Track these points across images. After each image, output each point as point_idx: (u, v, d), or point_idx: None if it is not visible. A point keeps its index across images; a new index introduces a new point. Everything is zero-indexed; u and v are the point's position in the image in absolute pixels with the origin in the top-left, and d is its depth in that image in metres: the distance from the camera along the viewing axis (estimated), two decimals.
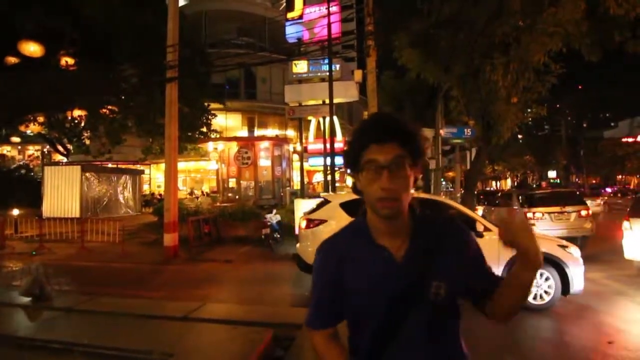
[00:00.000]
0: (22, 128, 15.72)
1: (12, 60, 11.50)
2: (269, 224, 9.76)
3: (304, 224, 5.84)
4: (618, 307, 5.02)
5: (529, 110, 10.40)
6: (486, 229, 4.99)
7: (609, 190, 37.59)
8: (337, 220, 5.33)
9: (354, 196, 4.62)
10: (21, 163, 24.37)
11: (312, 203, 8.93)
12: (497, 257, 4.85)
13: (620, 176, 44.47)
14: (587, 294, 5.33)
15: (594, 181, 46.22)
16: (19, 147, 27.87)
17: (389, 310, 0.94)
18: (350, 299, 1.00)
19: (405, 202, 0.94)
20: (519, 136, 41.58)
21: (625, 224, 6.73)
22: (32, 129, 15.76)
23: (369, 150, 0.92)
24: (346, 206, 5.53)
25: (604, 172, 42.77)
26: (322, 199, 6.36)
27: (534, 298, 4.81)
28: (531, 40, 7.77)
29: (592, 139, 45.97)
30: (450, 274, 0.96)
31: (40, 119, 15.30)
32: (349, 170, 1.02)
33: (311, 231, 5.66)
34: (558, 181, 48.55)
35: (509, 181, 55.29)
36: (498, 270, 4.87)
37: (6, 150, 27.46)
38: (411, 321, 0.94)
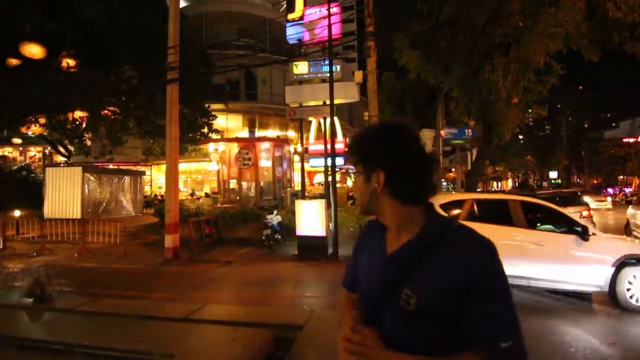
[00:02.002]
0: (23, 129, 15.77)
1: (13, 61, 11.54)
2: (269, 225, 9.77)
3: None
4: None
5: (529, 110, 10.41)
6: (593, 234, 5.02)
7: (610, 191, 37.54)
8: None
9: (453, 197, 5.12)
10: (22, 164, 24.42)
11: (314, 204, 8.96)
12: (602, 258, 4.86)
13: (621, 176, 44.36)
14: (588, 295, 5.34)
15: (595, 181, 46.16)
16: (21, 149, 27.91)
17: (370, 298, 0.99)
18: (356, 274, 1.12)
19: (367, 205, 1.03)
20: (520, 137, 41.56)
21: None
22: (34, 130, 15.80)
23: None
24: (447, 207, 5.34)
25: (605, 173, 42.66)
26: None
27: (631, 298, 4.79)
28: (531, 41, 7.78)
29: (593, 140, 45.90)
30: (427, 288, 0.87)
31: (42, 120, 15.34)
32: (345, 171, 1.08)
33: None
34: (559, 182, 48.49)
35: (510, 182, 55.22)
36: (602, 267, 4.81)
37: (7, 151, 27.50)
38: (387, 320, 0.93)
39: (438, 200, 5.48)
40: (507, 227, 5.20)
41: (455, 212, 5.27)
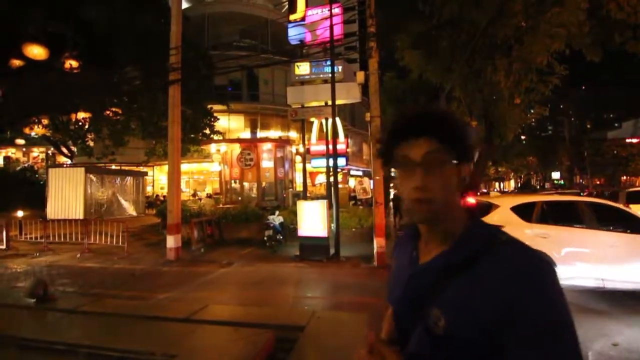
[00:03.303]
0: (26, 130, 15.84)
1: (16, 63, 11.59)
2: (271, 225, 9.78)
3: None
4: (623, 309, 4.98)
5: (531, 111, 10.39)
6: None
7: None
8: (514, 226, 5.04)
9: (525, 199, 4.89)
10: (26, 165, 24.56)
11: (316, 205, 8.96)
12: None
13: (624, 177, 44.18)
14: (591, 296, 5.32)
15: (597, 182, 45.98)
16: (24, 149, 28.08)
17: (399, 312, 0.90)
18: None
19: (445, 204, 0.80)
20: (522, 137, 41.48)
21: None
22: (37, 131, 15.88)
23: (400, 146, 0.83)
24: (519, 210, 5.22)
25: (608, 173, 42.47)
26: (485, 202, 5.71)
27: None
28: (533, 41, 7.77)
29: (595, 140, 45.74)
30: (455, 310, 0.74)
31: (45, 121, 15.41)
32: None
33: None
34: (562, 182, 48.33)
35: (512, 182, 55.12)
36: None
37: (11, 152, 27.66)
38: (414, 341, 0.82)
39: (509, 203, 5.40)
40: (579, 229, 5.15)
41: (527, 214, 5.19)
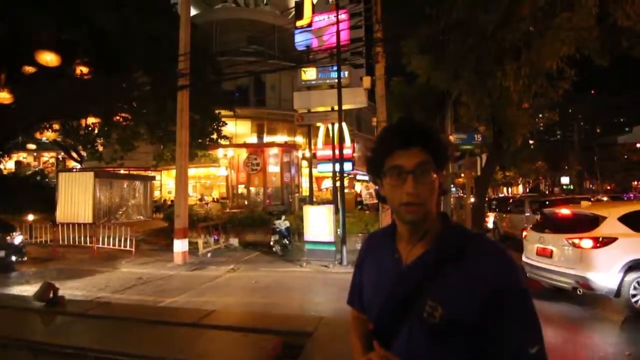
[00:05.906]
0: (37, 135, 16.10)
1: (29, 69, 11.82)
2: (277, 230, 9.78)
3: (589, 243, 5.07)
4: (637, 318, 4.87)
5: (540, 115, 10.31)
6: None
7: (624, 198, 36.82)
8: (627, 237, 4.92)
9: (629, 208, 4.77)
10: (36, 169, 24.94)
11: (322, 209, 8.94)
12: None
13: (635, 182, 43.46)
14: (605, 305, 5.21)
15: (608, 187, 45.27)
16: (35, 154, 28.56)
17: (384, 314, 0.93)
18: (362, 291, 1.06)
19: (431, 207, 0.90)
20: (531, 142, 41.03)
21: None
22: (48, 136, 16.12)
23: (392, 155, 0.90)
24: (627, 220, 5.04)
25: (619, 178, 41.83)
26: (587, 214, 5.44)
27: None
28: (542, 45, 7.74)
29: (605, 145, 45.14)
30: (451, 298, 0.84)
31: (56, 126, 15.65)
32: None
33: (599, 251, 4.98)
34: (571, 187, 47.65)
35: (520, 187, 54.46)
36: None
37: (22, 157, 28.13)
38: (404, 339, 0.89)
39: (615, 213, 5.18)
40: None
41: (636, 224, 4.99)
